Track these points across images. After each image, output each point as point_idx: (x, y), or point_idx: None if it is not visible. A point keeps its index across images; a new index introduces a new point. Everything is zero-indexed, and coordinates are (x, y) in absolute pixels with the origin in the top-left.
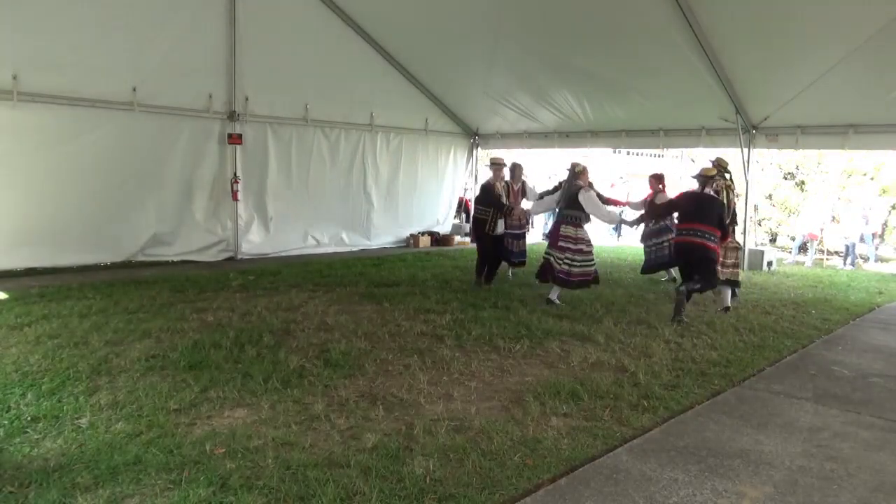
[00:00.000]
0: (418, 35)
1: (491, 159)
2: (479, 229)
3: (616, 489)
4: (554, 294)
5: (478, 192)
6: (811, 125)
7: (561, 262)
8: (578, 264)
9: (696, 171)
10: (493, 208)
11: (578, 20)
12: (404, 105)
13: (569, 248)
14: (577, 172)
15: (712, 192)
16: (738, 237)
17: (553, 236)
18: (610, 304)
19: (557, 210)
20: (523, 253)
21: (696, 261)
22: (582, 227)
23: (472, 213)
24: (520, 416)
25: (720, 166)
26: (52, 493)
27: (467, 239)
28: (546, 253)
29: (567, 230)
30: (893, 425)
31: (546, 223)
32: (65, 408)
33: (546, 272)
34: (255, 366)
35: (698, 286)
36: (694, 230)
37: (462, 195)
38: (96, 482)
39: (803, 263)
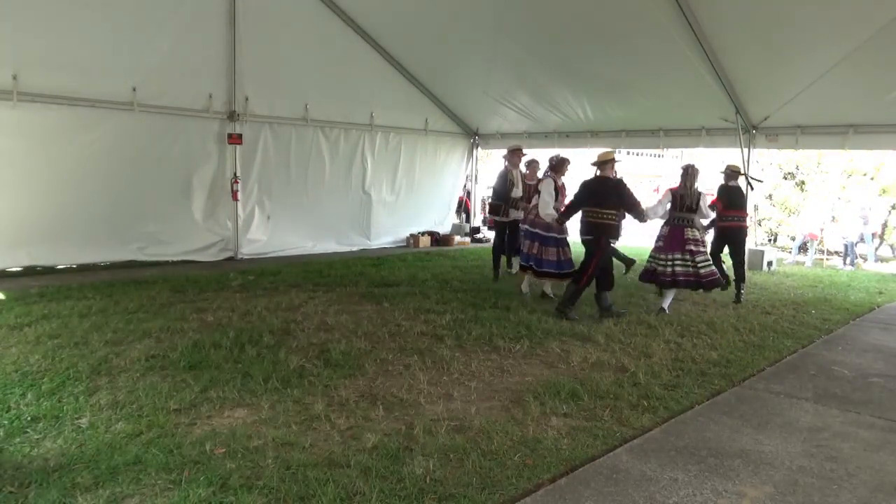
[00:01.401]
0: (418, 35)
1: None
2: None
3: (616, 489)
4: (667, 302)
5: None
6: (811, 125)
7: (689, 265)
8: (703, 265)
9: (724, 168)
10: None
11: (578, 20)
12: (404, 105)
13: (699, 252)
14: (693, 175)
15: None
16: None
17: (677, 241)
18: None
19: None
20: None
21: (741, 239)
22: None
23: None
24: (520, 416)
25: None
26: (52, 493)
27: (467, 239)
28: (666, 259)
29: (694, 233)
30: (893, 425)
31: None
32: (65, 408)
33: (661, 276)
34: (255, 366)
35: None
36: (737, 216)
37: (462, 195)
38: (96, 482)
39: (803, 263)
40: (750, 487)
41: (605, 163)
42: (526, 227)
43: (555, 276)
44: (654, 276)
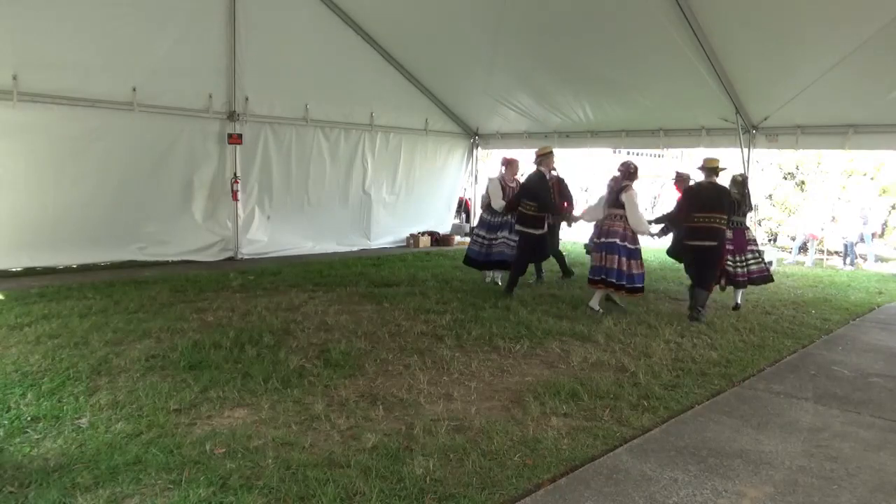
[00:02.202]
0: (418, 35)
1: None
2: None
3: (616, 489)
4: (740, 297)
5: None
6: (811, 125)
7: (752, 262)
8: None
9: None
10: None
11: (579, 20)
12: (404, 105)
13: (757, 250)
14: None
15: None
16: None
17: (741, 243)
18: (610, 304)
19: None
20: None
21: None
22: None
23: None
24: (520, 416)
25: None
26: (52, 493)
27: (467, 239)
28: (735, 261)
29: (751, 234)
30: (893, 425)
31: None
32: (65, 408)
33: (736, 277)
34: (255, 366)
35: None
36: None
37: (462, 195)
38: (96, 482)
39: (803, 263)
40: (750, 487)
41: (713, 169)
42: (615, 240)
43: (635, 290)
44: (728, 277)
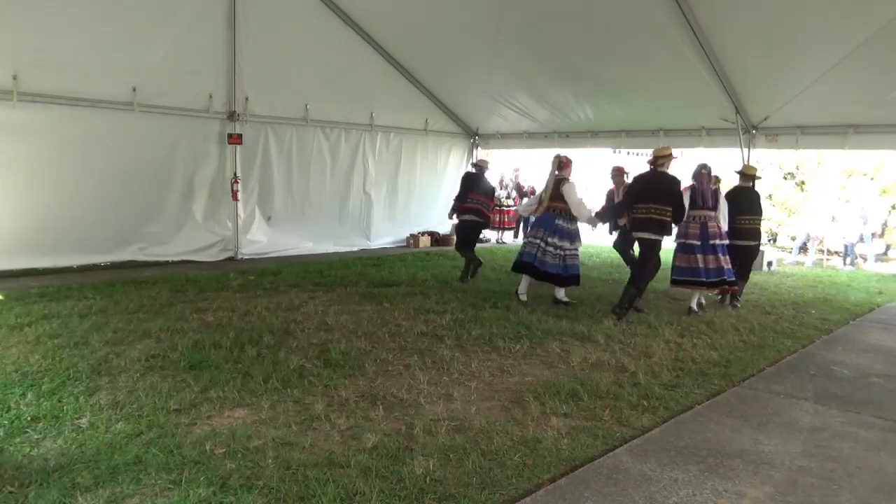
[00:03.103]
0: (418, 35)
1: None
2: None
3: (616, 489)
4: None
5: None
6: (811, 125)
7: None
8: None
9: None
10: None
11: (579, 20)
12: (404, 105)
13: None
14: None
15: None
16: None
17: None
18: (610, 304)
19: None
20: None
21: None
22: None
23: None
24: (520, 416)
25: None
26: (52, 493)
27: None
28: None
29: None
30: (893, 425)
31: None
32: (65, 408)
33: None
34: (255, 366)
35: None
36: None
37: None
38: (96, 482)
39: (803, 263)
40: (750, 487)
41: (752, 176)
42: (723, 242)
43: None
44: None
